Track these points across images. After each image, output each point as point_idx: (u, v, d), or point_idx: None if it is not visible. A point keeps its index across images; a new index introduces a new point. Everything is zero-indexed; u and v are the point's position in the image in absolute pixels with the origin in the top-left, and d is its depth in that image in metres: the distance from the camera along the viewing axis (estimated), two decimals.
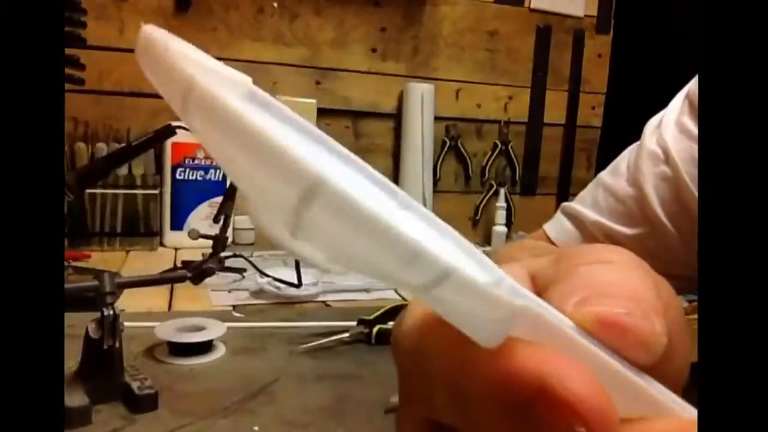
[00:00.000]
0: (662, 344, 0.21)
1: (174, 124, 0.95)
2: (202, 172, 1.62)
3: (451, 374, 0.20)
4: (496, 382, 0.19)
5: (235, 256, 1.27)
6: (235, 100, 0.18)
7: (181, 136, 0.94)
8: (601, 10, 2.12)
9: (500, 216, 2.01)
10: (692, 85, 0.70)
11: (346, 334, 0.94)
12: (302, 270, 1.20)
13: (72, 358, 0.73)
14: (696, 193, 0.62)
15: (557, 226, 0.74)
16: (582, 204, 0.74)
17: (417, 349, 0.22)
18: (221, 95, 0.18)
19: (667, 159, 0.67)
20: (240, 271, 1.27)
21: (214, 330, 0.90)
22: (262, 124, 0.18)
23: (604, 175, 0.74)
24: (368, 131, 1.96)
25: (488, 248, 1.89)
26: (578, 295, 0.21)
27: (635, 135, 0.74)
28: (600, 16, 2.12)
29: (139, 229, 1.57)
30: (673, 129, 0.68)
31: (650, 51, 2.14)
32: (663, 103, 0.73)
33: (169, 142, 1.57)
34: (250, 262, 1.26)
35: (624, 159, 0.73)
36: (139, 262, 1.47)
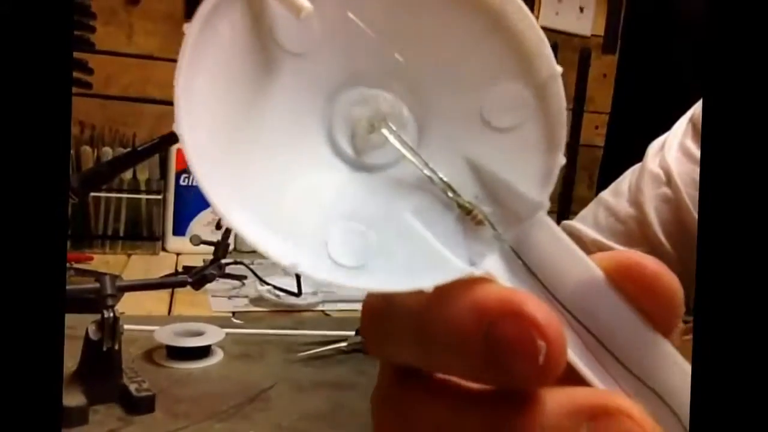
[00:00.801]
0: (682, 301, 0.23)
1: None
2: None
3: (416, 315, 0.22)
4: (462, 311, 0.20)
5: (235, 263, 1.27)
6: None
7: None
8: (608, 30, 2.13)
9: None
10: (696, 109, 0.70)
11: (344, 344, 0.95)
12: (302, 279, 1.20)
13: (71, 359, 0.73)
14: (696, 216, 0.63)
15: None
16: (583, 222, 0.74)
17: (386, 299, 0.24)
18: None
19: (669, 181, 0.67)
20: (240, 278, 1.28)
21: (213, 335, 0.90)
22: None
23: (606, 195, 0.75)
24: None
25: None
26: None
27: (637, 155, 0.74)
28: (607, 36, 2.13)
29: (142, 233, 1.58)
30: (675, 151, 0.68)
31: (655, 72, 2.15)
32: (666, 125, 0.74)
33: (174, 149, 1.58)
34: (251, 270, 1.27)
35: (625, 180, 0.74)
36: (140, 266, 1.48)
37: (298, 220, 0.22)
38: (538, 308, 0.19)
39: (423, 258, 0.22)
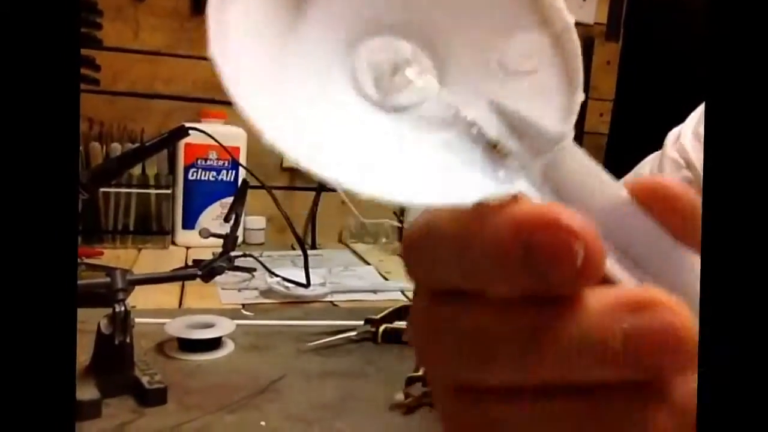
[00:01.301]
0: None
1: (187, 125, 0.96)
2: (214, 173, 1.63)
3: (456, 235, 0.23)
4: (501, 225, 0.22)
5: (245, 255, 1.28)
6: None
7: (193, 137, 0.95)
8: (611, 18, 2.13)
9: None
10: None
11: (353, 333, 0.96)
12: (311, 270, 1.21)
13: (84, 353, 0.74)
14: None
15: None
16: None
17: (426, 225, 0.25)
18: None
19: (689, 165, 0.69)
20: (249, 270, 1.29)
21: (223, 327, 0.91)
22: None
23: (628, 179, 0.76)
24: None
25: None
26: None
27: (642, 142, 0.75)
28: (610, 24, 2.13)
29: (152, 227, 1.59)
30: (691, 139, 0.70)
31: (659, 59, 2.15)
32: (670, 111, 0.74)
33: (182, 143, 1.59)
34: (260, 262, 1.28)
35: (646, 165, 0.75)
36: (150, 260, 1.49)
37: (332, 144, 0.23)
38: (573, 217, 0.21)
39: (460, 181, 0.24)
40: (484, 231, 0.22)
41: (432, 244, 0.24)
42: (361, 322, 0.98)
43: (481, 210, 0.22)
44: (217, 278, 0.96)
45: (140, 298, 1.08)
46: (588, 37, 2.10)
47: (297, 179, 1.86)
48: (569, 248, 0.20)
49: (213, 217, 1.63)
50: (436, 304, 0.25)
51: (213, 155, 1.62)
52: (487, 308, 0.23)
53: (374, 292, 1.31)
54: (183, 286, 1.23)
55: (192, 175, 1.63)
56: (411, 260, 0.26)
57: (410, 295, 1.28)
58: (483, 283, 0.23)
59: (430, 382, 0.27)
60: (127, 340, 0.74)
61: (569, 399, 0.23)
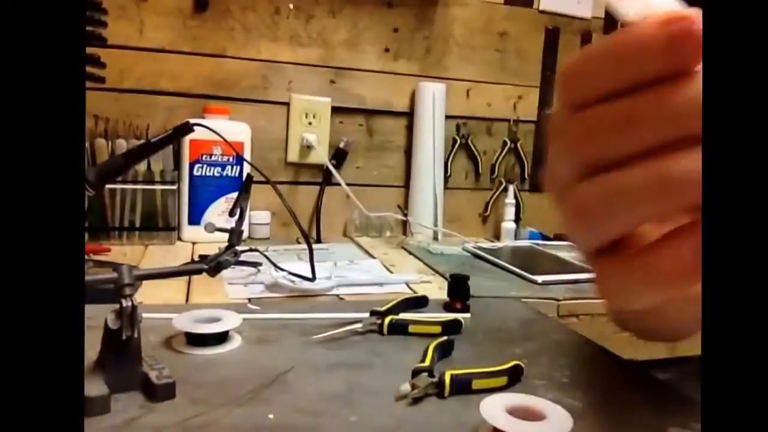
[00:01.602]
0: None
1: (192, 121, 0.96)
2: (219, 169, 1.64)
3: (611, 45, 0.32)
4: (650, 25, 0.30)
5: (250, 250, 1.28)
6: None
7: (198, 133, 0.96)
8: (608, 12, 2.13)
9: (509, 212, 2.04)
10: None
11: (359, 325, 0.96)
12: (316, 264, 1.22)
13: (92, 349, 0.74)
14: None
15: None
16: None
17: (577, 56, 0.33)
18: None
19: None
20: (255, 264, 1.29)
21: (231, 321, 0.91)
22: None
23: None
24: (381, 129, 1.98)
25: (497, 244, 1.90)
26: None
27: None
28: (607, 18, 2.13)
29: (158, 223, 1.60)
30: None
31: None
32: None
33: (187, 139, 1.60)
34: (266, 256, 1.28)
35: None
36: (157, 255, 1.50)
37: None
38: (696, 14, 0.29)
39: None
40: (634, 32, 0.30)
41: (583, 60, 0.33)
42: (367, 315, 0.98)
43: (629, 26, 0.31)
44: (223, 273, 0.97)
45: (147, 294, 1.09)
46: (586, 31, 2.11)
47: (301, 174, 1.87)
48: (697, 31, 0.29)
49: (218, 212, 1.64)
50: (583, 110, 0.33)
51: (217, 151, 1.63)
52: (624, 98, 0.31)
53: (379, 285, 1.31)
54: (189, 281, 1.23)
55: (197, 171, 1.64)
56: (562, 82, 0.34)
57: (414, 287, 1.29)
58: (630, 77, 0.31)
59: (555, 178, 0.36)
60: (135, 335, 0.74)
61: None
